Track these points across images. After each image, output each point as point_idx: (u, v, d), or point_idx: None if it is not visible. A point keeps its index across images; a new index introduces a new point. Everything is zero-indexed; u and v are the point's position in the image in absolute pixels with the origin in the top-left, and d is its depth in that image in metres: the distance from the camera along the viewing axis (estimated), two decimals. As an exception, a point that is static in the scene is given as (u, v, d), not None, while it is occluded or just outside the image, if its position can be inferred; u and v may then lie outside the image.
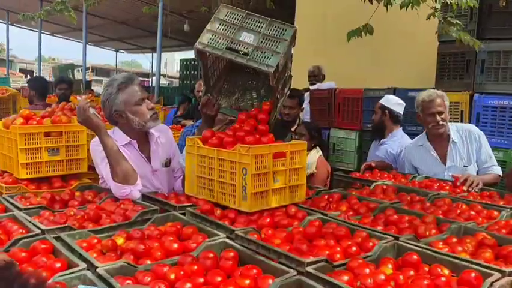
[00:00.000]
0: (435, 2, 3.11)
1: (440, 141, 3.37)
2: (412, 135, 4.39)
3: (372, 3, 3.18)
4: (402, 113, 4.09)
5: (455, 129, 3.36)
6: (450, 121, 3.36)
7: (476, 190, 2.94)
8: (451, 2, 3.01)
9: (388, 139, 4.04)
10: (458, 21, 3.18)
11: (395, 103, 4.10)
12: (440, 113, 3.26)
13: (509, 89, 3.43)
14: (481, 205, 2.46)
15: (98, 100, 4.51)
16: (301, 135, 4.05)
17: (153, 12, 7.21)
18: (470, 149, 3.27)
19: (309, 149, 4.06)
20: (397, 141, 3.99)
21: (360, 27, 3.34)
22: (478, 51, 3.97)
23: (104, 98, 2.54)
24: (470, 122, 3.96)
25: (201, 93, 5.96)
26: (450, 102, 4.11)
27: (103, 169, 2.48)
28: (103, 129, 2.37)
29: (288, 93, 4.08)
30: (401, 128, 4.11)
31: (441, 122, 3.28)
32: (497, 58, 3.92)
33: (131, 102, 2.50)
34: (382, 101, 4.09)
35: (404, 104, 4.10)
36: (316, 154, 4.14)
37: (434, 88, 4.33)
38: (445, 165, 3.34)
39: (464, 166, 3.27)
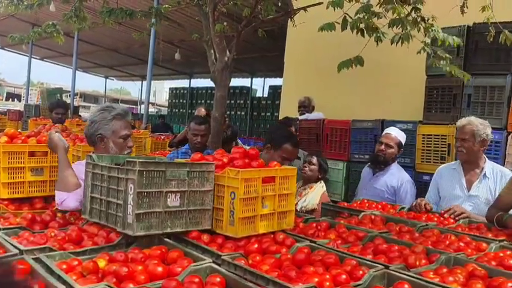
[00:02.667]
0: (425, 36, 3.18)
1: (472, 170, 3.38)
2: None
3: (364, 37, 3.24)
4: None
5: (490, 167, 3.37)
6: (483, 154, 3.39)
7: (457, 219, 2.94)
8: (437, 39, 3.08)
9: (385, 172, 4.00)
10: (447, 55, 3.24)
11: (404, 138, 4.07)
12: (463, 141, 3.29)
13: (494, 123, 3.47)
14: (470, 237, 2.44)
15: (84, 125, 4.51)
16: (311, 164, 4.00)
17: (143, 39, 7.24)
18: (497, 189, 3.23)
19: (315, 180, 4.02)
20: (396, 174, 3.97)
21: (351, 58, 3.39)
22: (465, 86, 4.06)
23: (95, 118, 2.63)
24: (456, 155, 3.98)
25: None
26: (437, 135, 4.18)
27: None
28: (61, 148, 2.52)
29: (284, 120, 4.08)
30: (396, 162, 4.10)
31: (460, 149, 3.32)
32: (484, 93, 3.98)
33: (118, 134, 2.60)
34: (398, 136, 3.99)
35: None
36: (321, 189, 4.02)
37: (420, 121, 4.40)
38: (468, 192, 3.34)
39: (486, 204, 3.20)
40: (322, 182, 4.06)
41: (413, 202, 3.28)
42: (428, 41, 3.12)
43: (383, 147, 3.95)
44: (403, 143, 4.03)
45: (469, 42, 4.11)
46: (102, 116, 2.62)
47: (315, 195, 3.86)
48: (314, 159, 4.02)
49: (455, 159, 3.66)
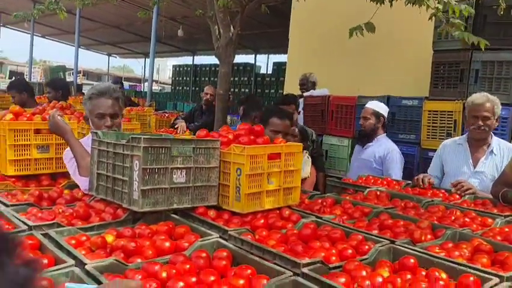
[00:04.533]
0: (438, 2, 3.07)
1: (478, 147, 3.34)
2: (405, 143, 4.40)
3: (376, 4, 3.17)
4: None
5: (497, 143, 3.32)
6: (483, 129, 3.24)
7: (463, 195, 2.93)
8: (449, 6, 2.96)
9: (374, 143, 4.12)
10: (461, 22, 3.12)
11: (386, 110, 4.20)
12: (485, 118, 3.20)
13: (501, 99, 3.41)
14: (475, 212, 2.45)
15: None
16: (294, 137, 4.00)
17: (148, 17, 7.16)
18: (504, 165, 3.15)
19: None
20: (383, 145, 4.08)
21: (362, 24, 3.31)
22: (472, 61, 4.00)
23: (83, 101, 2.73)
24: (463, 131, 3.95)
25: (208, 97, 5.93)
26: (443, 111, 4.14)
27: (70, 168, 2.56)
28: (69, 131, 2.56)
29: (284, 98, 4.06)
30: (385, 134, 4.18)
31: (482, 127, 3.22)
32: (491, 68, 3.93)
33: (93, 113, 2.61)
34: (375, 108, 4.12)
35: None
36: (308, 159, 4.08)
37: (427, 97, 4.36)
38: (474, 169, 3.32)
39: (491, 180, 3.18)
40: (306, 151, 4.07)
41: (415, 177, 3.26)
42: (440, 6, 3.02)
43: (361, 121, 4.17)
44: (383, 113, 4.12)
45: (477, 16, 4.02)
46: (84, 97, 2.70)
47: (305, 165, 3.87)
48: (295, 131, 4.03)
49: (461, 135, 3.63)
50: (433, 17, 3.15)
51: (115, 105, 2.61)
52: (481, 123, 3.21)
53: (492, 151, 3.30)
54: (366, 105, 4.19)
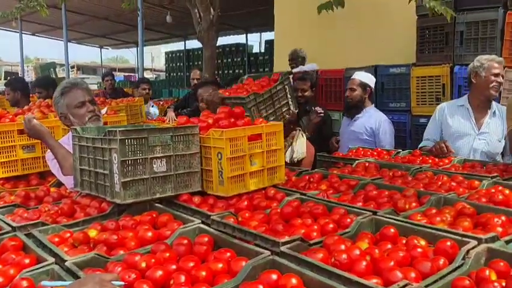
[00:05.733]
0: None
1: (481, 108, 3.33)
2: (396, 111, 4.39)
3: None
4: None
5: (495, 104, 3.35)
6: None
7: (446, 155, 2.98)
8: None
9: (362, 114, 4.09)
10: None
11: (372, 80, 4.15)
12: (499, 75, 3.22)
13: (489, 59, 3.39)
14: (462, 176, 2.44)
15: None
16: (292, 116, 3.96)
17: (133, 6, 7.08)
18: (503, 125, 3.23)
19: (291, 130, 3.99)
20: (373, 116, 4.05)
21: (331, 0, 3.30)
22: (456, 23, 3.95)
23: (53, 102, 2.71)
24: (451, 94, 3.93)
25: (195, 81, 5.91)
26: (431, 76, 4.12)
27: (53, 168, 2.59)
28: (47, 134, 2.55)
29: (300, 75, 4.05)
30: (373, 105, 4.16)
31: (497, 86, 3.24)
32: (476, 29, 3.88)
33: (71, 105, 2.59)
34: (361, 78, 4.08)
35: None
36: (302, 137, 4.05)
37: (414, 64, 4.32)
38: (478, 130, 3.31)
39: (498, 141, 3.26)
40: (299, 129, 4.05)
41: (432, 146, 3.20)
42: None
43: (347, 92, 4.11)
44: (368, 83, 4.08)
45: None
46: (54, 96, 2.67)
47: (301, 143, 3.85)
48: (294, 113, 4.00)
49: (451, 99, 3.62)
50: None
51: (90, 92, 2.67)
52: (500, 80, 3.23)
53: (494, 112, 3.31)
54: (353, 76, 4.16)
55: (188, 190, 2.10)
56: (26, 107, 3.55)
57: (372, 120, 4.02)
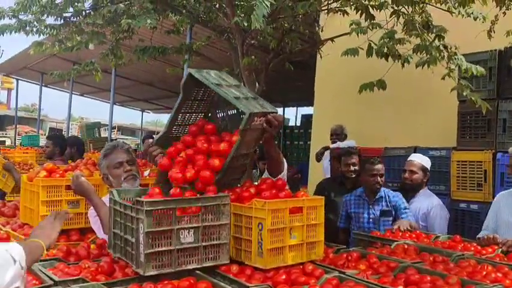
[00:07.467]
0: (449, 63, 3.18)
1: None
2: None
3: (388, 61, 3.27)
4: None
5: None
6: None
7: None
8: (461, 65, 3.08)
9: (416, 198, 3.99)
10: (469, 84, 3.23)
11: (430, 164, 4.09)
12: None
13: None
14: (509, 267, 2.35)
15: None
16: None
17: (177, 73, 7.48)
18: None
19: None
20: (426, 200, 3.95)
21: (374, 81, 3.41)
22: (499, 110, 3.97)
23: (97, 164, 2.92)
24: (494, 181, 3.86)
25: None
26: (472, 162, 4.08)
27: (94, 224, 2.69)
28: (93, 192, 2.65)
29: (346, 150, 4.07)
30: (426, 187, 4.08)
31: None
32: (519, 117, 3.89)
33: (111, 166, 2.73)
34: (422, 162, 4.02)
35: None
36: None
37: (455, 147, 4.31)
38: None
39: None
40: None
41: (482, 235, 3.09)
42: (453, 67, 3.11)
43: (407, 174, 4.01)
44: (428, 167, 4.02)
45: (502, 66, 4.04)
46: (98, 158, 2.85)
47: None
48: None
49: (492, 186, 3.55)
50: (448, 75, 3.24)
51: (130, 154, 2.79)
52: None
53: None
54: (412, 158, 4.08)
55: (216, 263, 2.07)
56: (72, 164, 3.70)
57: (425, 204, 3.91)
